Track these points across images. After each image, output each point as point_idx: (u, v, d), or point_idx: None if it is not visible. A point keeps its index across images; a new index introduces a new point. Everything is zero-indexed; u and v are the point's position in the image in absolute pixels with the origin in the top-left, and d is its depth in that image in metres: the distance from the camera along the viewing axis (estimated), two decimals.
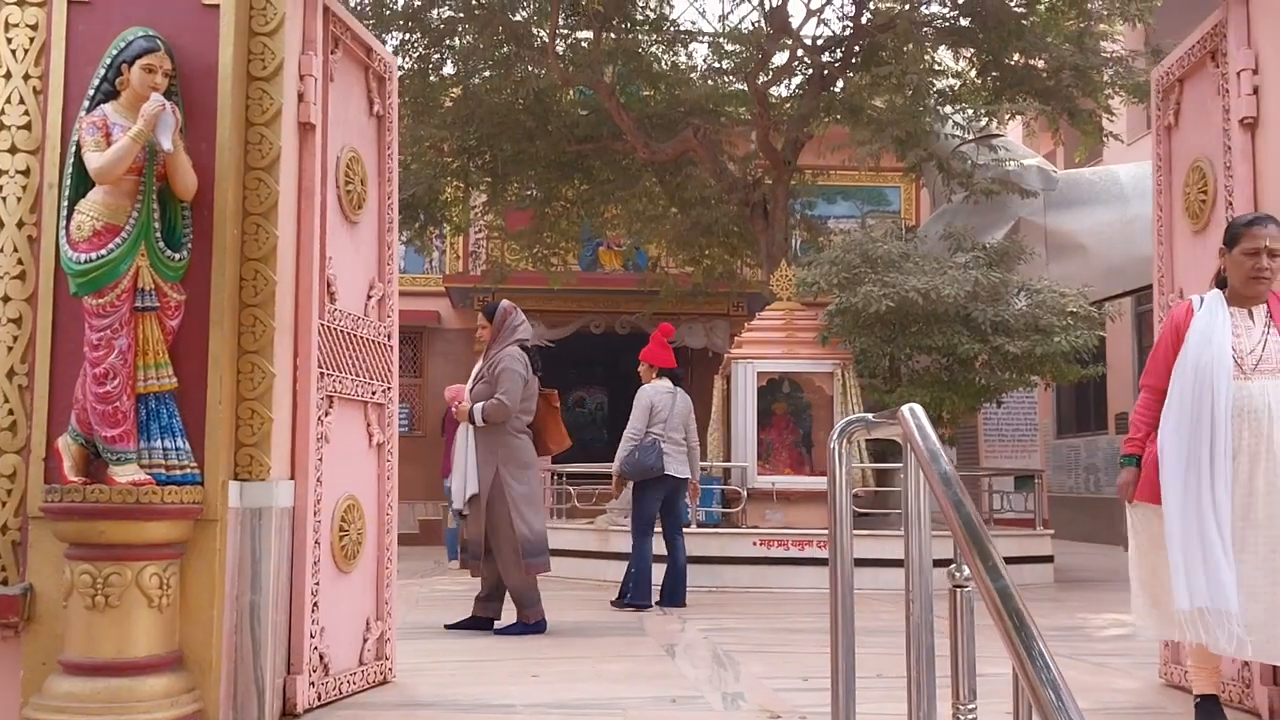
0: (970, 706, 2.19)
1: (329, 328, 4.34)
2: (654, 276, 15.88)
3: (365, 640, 4.65)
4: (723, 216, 13.22)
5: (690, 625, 6.81)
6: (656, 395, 7.78)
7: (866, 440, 9.82)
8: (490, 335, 6.68)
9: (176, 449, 3.75)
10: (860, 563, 9.19)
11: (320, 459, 4.24)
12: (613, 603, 7.71)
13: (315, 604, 4.21)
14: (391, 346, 4.93)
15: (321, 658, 4.24)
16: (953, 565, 2.26)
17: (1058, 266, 12.47)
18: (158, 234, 3.73)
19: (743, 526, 9.55)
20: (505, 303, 6.80)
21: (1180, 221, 4.88)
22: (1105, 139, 12.67)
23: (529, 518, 6.35)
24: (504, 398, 6.32)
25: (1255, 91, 4.29)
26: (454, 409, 6.99)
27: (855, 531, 9.38)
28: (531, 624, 6.36)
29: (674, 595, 7.75)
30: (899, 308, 9.42)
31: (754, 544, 9.18)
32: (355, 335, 4.58)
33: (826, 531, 9.29)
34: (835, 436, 2.82)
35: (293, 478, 4.12)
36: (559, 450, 7.13)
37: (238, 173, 3.97)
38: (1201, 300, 3.84)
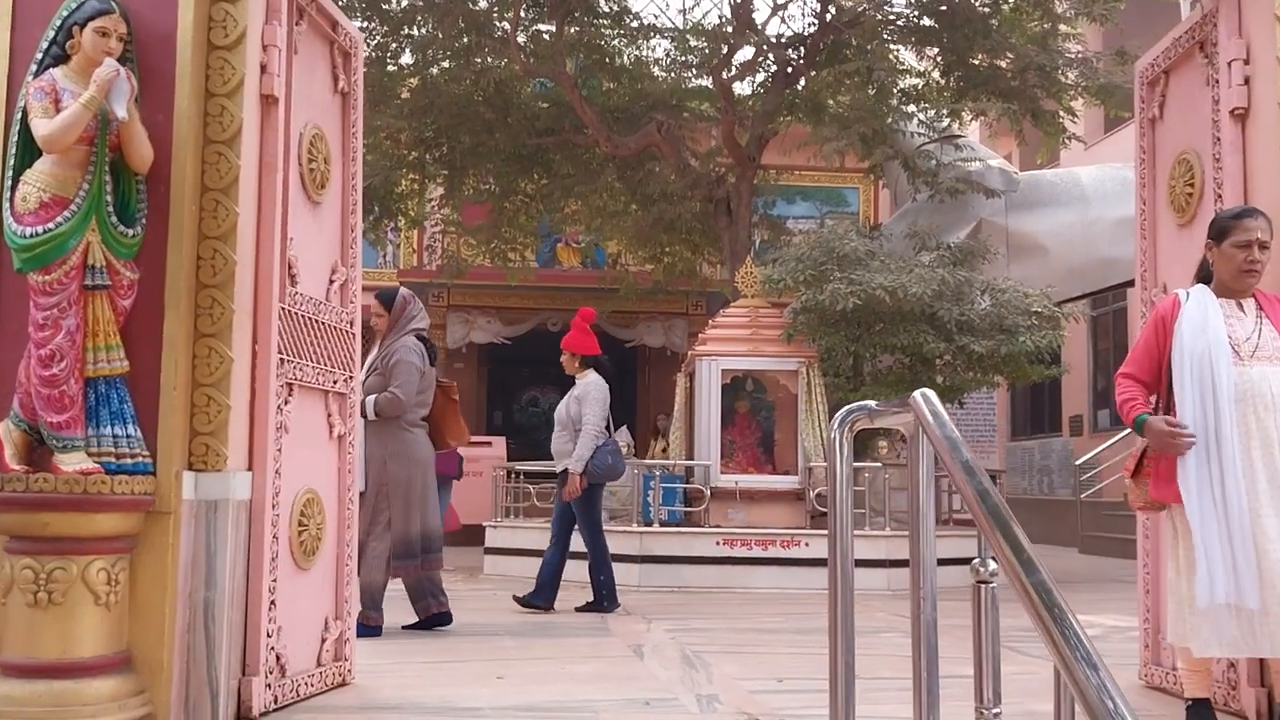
0: (995, 711, 2.04)
1: (289, 312, 4.13)
2: (613, 274, 15.71)
3: (324, 640, 4.44)
4: (685, 213, 13.07)
5: (656, 626, 6.65)
6: (604, 388, 7.35)
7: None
8: (386, 325, 6.37)
9: (127, 436, 3.53)
10: (825, 562, 9.12)
11: (279, 450, 4.03)
12: (577, 608, 7.29)
13: (272, 602, 3.99)
14: (354, 334, 4.73)
15: (279, 658, 4.03)
16: (975, 560, 2.11)
17: (1018, 267, 12.48)
18: (110, 208, 3.51)
19: (705, 526, 9.41)
20: (404, 291, 6.52)
21: (1165, 215, 4.80)
22: (1066, 141, 12.70)
23: (414, 515, 6.04)
24: (398, 391, 6.04)
25: (1246, 82, 4.21)
26: None
27: (819, 531, 9.26)
28: (370, 627, 5.87)
29: (547, 597, 7.28)
30: (865, 305, 9.33)
31: (717, 543, 9.05)
32: (317, 320, 4.37)
33: (790, 531, 9.18)
34: (836, 426, 2.67)
35: (250, 469, 3.90)
36: (458, 444, 6.87)
37: (196, 146, 3.75)
38: (1188, 294, 3.75)
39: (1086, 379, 17.37)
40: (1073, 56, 11.83)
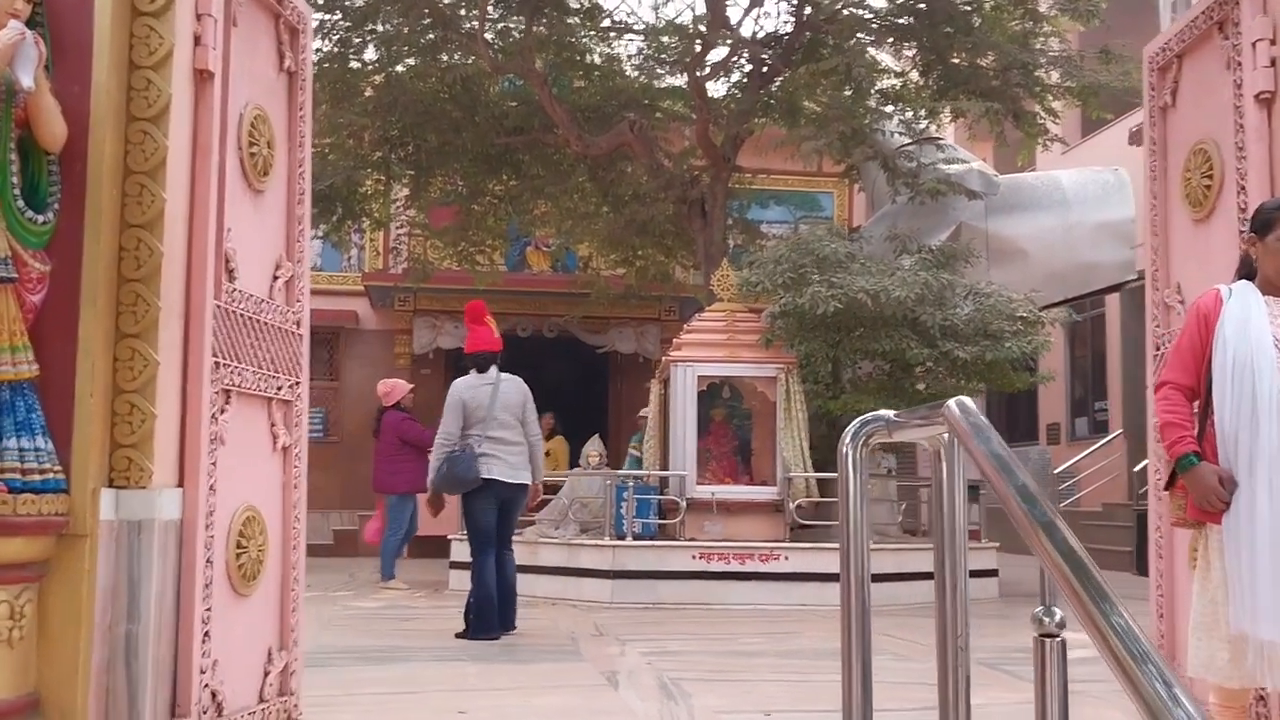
0: None
1: (227, 310, 3.71)
2: (585, 277, 15.31)
3: (267, 674, 4.02)
4: (658, 214, 12.70)
5: (630, 648, 6.26)
6: (468, 390, 6.76)
7: (810, 448, 9.38)
8: None
9: (36, 450, 3.11)
10: (805, 577, 8.78)
11: (214, 463, 3.61)
12: (457, 635, 6.69)
13: (206, 633, 3.57)
14: (301, 335, 4.30)
15: (214, 696, 3.61)
16: (1039, 609, 1.74)
17: (999, 272, 12.21)
18: (16, 191, 3.10)
19: (681, 539, 9.03)
20: None
21: (1179, 210, 4.46)
22: (1047, 144, 12.43)
23: None
24: None
25: (1273, 64, 3.88)
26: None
27: (799, 544, 8.90)
28: None
29: (504, 617, 6.69)
30: (846, 309, 8.98)
31: (693, 557, 8.67)
32: (258, 320, 3.95)
33: (769, 545, 8.84)
34: (849, 441, 2.31)
35: (180, 485, 3.49)
36: None
37: (118, 123, 3.34)
38: (1230, 290, 3.39)
39: (1064, 387, 17.14)
40: (1056, 55, 11.56)
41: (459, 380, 6.95)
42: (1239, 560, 3.12)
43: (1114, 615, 1.42)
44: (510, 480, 6.66)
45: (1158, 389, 3.42)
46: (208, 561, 3.58)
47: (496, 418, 6.67)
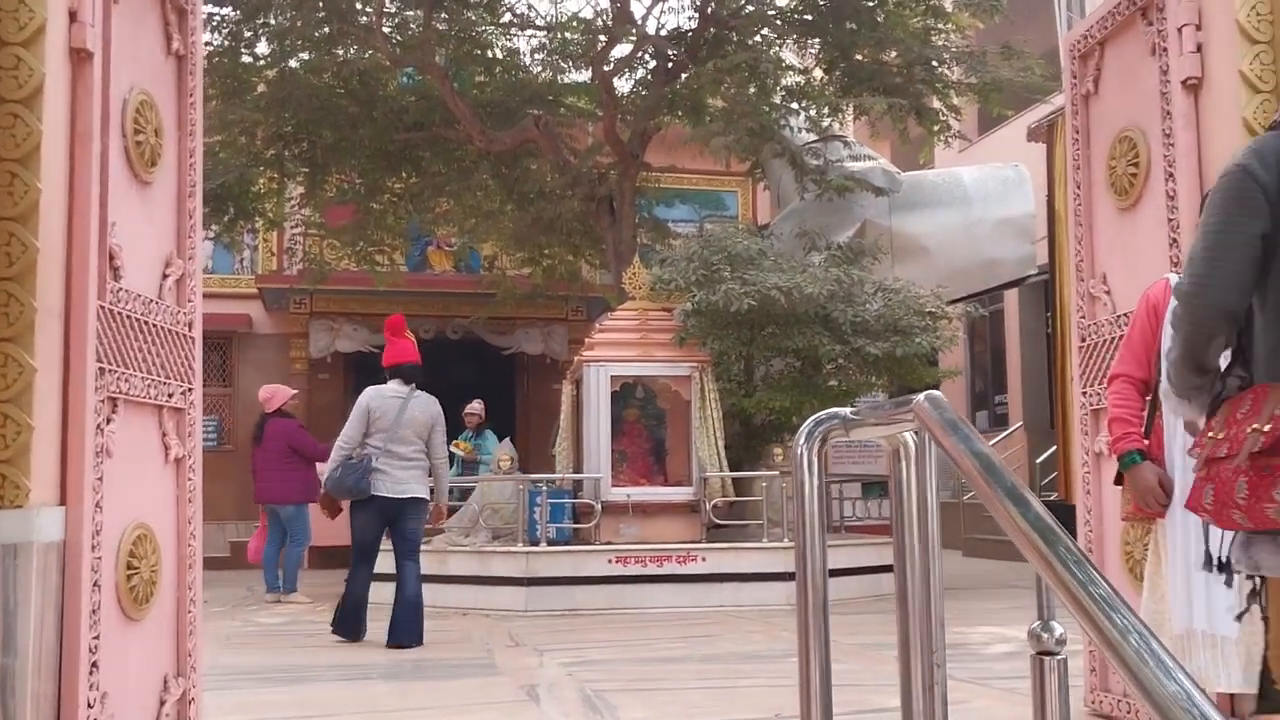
0: None
1: (111, 311, 3.40)
2: (489, 277, 14.99)
3: (163, 703, 3.72)
4: (565, 212, 12.47)
5: (549, 659, 6.03)
6: (377, 398, 6.71)
7: (725, 447, 9.26)
8: None
9: None
10: (723, 578, 8.64)
11: (100, 478, 3.30)
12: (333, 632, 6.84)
13: (94, 664, 3.26)
14: (193, 338, 4.00)
15: None
16: (1036, 624, 1.58)
17: (903, 268, 12.28)
18: None
19: (596, 543, 8.82)
20: None
21: (1103, 199, 4.42)
22: (949, 141, 12.53)
23: None
24: None
25: (1199, 49, 3.84)
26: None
27: (715, 545, 8.76)
28: None
29: (406, 631, 6.52)
30: (760, 307, 8.88)
31: (609, 561, 8.47)
32: (146, 322, 3.64)
33: (685, 546, 8.69)
34: (804, 440, 2.14)
35: (63, 503, 3.17)
36: None
37: None
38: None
39: (965, 382, 17.37)
40: (958, 51, 11.65)
41: (372, 388, 6.89)
42: (1176, 557, 3.05)
43: (1133, 636, 1.27)
44: (394, 496, 6.59)
45: (1110, 382, 3.34)
46: (95, 585, 3.27)
47: (399, 432, 6.61)
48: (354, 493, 6.55)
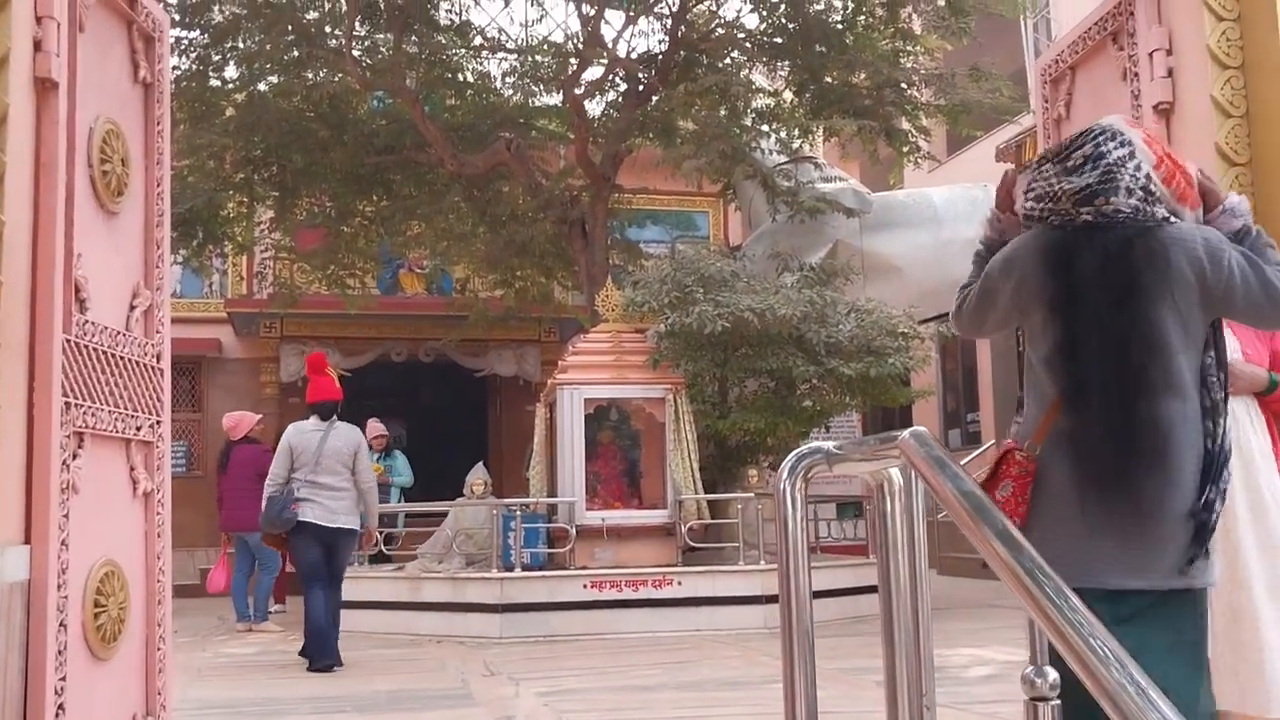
0: None
1: (78, 344, 3.34)
2: (462, 300, 14.94)
3: None
4: (538, 235, 12.44)
5: (525, 688, 5.97)
6: (296, 435, 7.09)
7: (699, 468, 9.23)
8: None
9: None
10: (699, 601, 8.60)
11: (66, 515, 3.23)
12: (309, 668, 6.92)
13: (61, 706, 3.18)
14: (161, 370, 3.93)
15: None
16: (1029, 669, 1.56)
17: (874, 289, 12.32)
18: None
19: (571, 567, 8.76)
20: None
21: None
22: (918, 162, 12.61)
23: None
24: None
25: (1170, 74, 3.86)
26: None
27: (691, 568, 8.72)
28: None
29: (319, 653, 6.84)
30: (733, 328, 8.87)
31: (584, 586, 8.41)
32: (114, 355, 3.58)
33: (661, 570, 8.65)
34: (786, 475, 2.11)
35: (27, 541, 3.11)
36: None
37: None
38: None
39: (937, 400, 17.41)
40: (927, 73, 11.73)
41: (292, 425, 7.31)
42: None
43: (1130, 687, 1.24)
44: (327, 524, 6.90)
45: None
46: (61, 625, 3.19)
47: (321, 464, 6.92)
48: (280, 524, 6.87)
